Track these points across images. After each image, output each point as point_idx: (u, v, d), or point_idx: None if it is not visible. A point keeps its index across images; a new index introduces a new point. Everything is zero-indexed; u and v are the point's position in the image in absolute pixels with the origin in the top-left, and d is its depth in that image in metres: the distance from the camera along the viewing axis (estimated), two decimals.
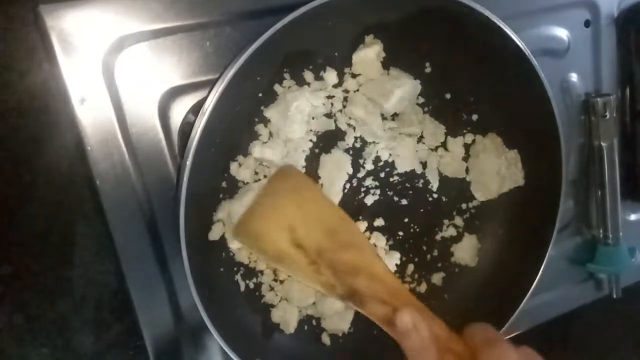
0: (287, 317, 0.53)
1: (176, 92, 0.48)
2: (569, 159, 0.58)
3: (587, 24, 0.66)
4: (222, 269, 0.51)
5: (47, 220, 0.47)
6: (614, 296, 0.72)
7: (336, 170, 0.54)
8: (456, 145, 0.59)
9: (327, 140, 0.54)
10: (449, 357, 0.40)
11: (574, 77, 0.67)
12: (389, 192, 0.57)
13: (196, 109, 0.48)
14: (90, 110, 0.45)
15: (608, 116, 0.66)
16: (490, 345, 0.39)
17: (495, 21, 0.51)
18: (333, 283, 0.44)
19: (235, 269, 0.52)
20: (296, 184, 0.48)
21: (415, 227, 0.59)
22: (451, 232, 0.61)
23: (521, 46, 0.52)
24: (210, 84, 0.47)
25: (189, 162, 0.43)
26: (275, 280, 0.53)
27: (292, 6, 0.44)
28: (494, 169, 0.59)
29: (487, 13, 0.50)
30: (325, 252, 0.45)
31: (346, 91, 0.54)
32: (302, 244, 0.45)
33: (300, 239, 0.45)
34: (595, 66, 0.68)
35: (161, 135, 0.48)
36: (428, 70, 0.57)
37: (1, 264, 0.47)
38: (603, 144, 0.66)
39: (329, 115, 0.54)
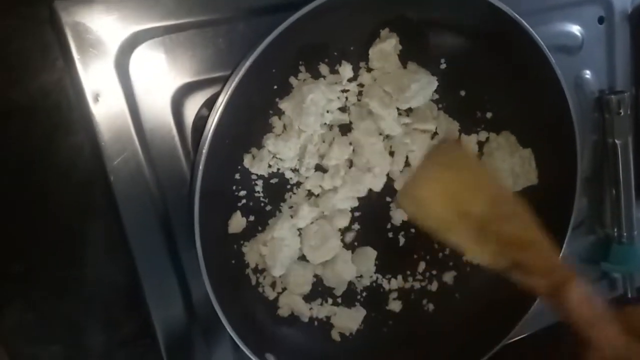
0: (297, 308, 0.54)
1: (189, 88, 0.48)
2: (582, 156, 0.57)
3: (600, 20, 0.66)
4: (234, 264, 0.51)
5: (59, 217, 0.47)
6: (629, 295, 0.71)
7: None
8: (470, 142, 0.59)
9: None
10: (618, 330, 0.39)
11: (587, 74, 0.66)
12: None
13: (210, 103, 0.48)
14: (105, 107, 0.46)
15: (622, 113, 0.65)
16: None
17: (514, 16, 0.50)
18: (497, 253, 0.44)
19: (246, 263, 0.52)
20: (459, 157, 0.48)
21: None
22: None
23: (538, 42, 0.52)
24: (223, 80, 0.47)
25: (203, 157, 0.44)
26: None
27: (303, 1, 0.44)
28: (508, 168, 0.59)
29: (505, 8, 0.50)
30: (490, 222, 0.44)
31: (361, 85, 0.54)
32: (468, 213, 0.44)
33: (466, 208, 0.44)
34: (609, 63, 0.67)
35: (174, 131, 0.48)
36: (443, 66, 0.57)
37: (13, 262, 0.46)
38: (617, 142, 0.66)
39: (343, 109, 0.54)
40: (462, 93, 0.58)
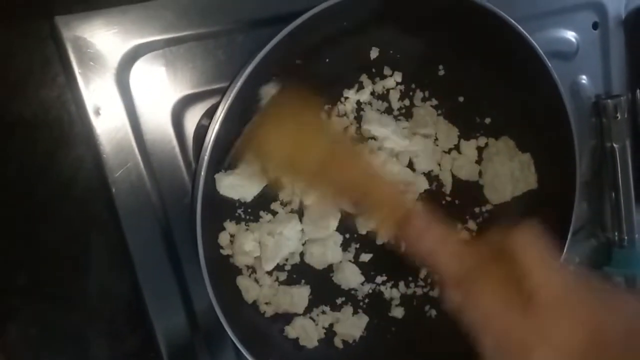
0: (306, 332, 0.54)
1: (189, 100, 0.49)
2: (581, 161, 0.57)
3: (595, 26, 0.66)
4: (237, 274, 0.51)
5: (62, 231, 0.47)
6: None
7: None
8: (469, 148, 0.59)
9: None
10: (465, 255, 0.40)
11: (583, 79, 0.67)
12: None
13: (210, 113, 0.48)
14: (106, 120, 0.46)
15: (619, 117, 0.66)
16: (523, 235, 0.38)
17: (510, 22, 0.51)
18: (340, 194, 0.46)
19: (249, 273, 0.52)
20: (300, 105, 0.48)
21: None
22: (464, 236, 0.60)
23: (535, 48, 0.52)
24: (223, 92, 0.47)
25: (204, 167, 0.44)
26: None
27: (305, 12, 0.45)
28: (507, 172, 0.59)
29: (502, 15, 0.50)
30: (326, 168, 0.45)
31: (358, 103, 0.55)
32: (306, 159, 0.46)
33: (303, 154, 0.46)
34: (605, 68, 0.68)
35: (175, 142, 0.48)
36: (441, 72, 0.57)
37: (17, 275, 0.46)
38: (615, 146, 0.66)
39: (341, 115, 0.54)
40: (461, 99, 0.59)
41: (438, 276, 0.40)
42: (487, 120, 0.59)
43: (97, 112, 0.45)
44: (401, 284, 0.59)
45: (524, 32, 0.52)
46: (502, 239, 0.38)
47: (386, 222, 0.43)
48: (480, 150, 0.60)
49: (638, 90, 0.69)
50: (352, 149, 0.48)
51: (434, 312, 0.60)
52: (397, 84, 0.56)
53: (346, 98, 0.54)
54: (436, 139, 0.58)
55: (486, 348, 0.37)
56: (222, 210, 0.50)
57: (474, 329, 0.38)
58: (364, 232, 0.56)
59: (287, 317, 0.54)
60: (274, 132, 0.46)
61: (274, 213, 0.53)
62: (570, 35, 0.65)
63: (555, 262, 0.37)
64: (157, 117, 0.48)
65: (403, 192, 0.49)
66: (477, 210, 0.61)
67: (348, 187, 0.45)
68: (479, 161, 0.60)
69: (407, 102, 0.57)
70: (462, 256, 0.40)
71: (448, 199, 0.59)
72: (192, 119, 0.49)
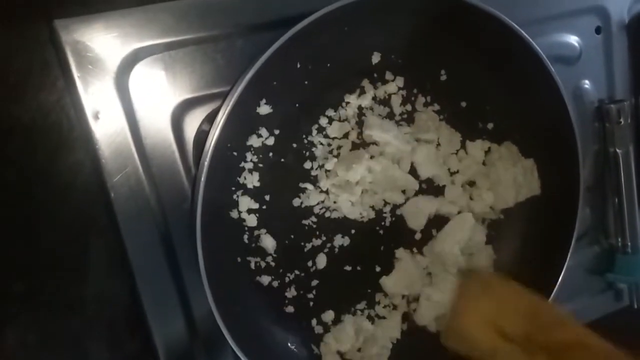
0: None
1: (189, 104, 0.48)
2: (584, 166, 0.57)
3: (598, 30, 0.66)
4: (237, 279, 0.51)
5: (61, 236, 0.47)
6: (635, 307, 0.71)
7: None
8: (475, 149, 0.59)
9: None
10: None
11: (586, 83, 0.66)
12: None
13: (210, 118, 0.48)
14: (105, 124, 0.45)
15: (623, 122, 0.65)
16: None
17: (513, 26, 0.51)
18: None
19: (250, 282, 0.52)
20: (485, 281, 0.52)
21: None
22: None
23: (538, 52, 0.52)
24: (223, 96, 0.47)
25: (204, 172, 0.43)
26: None
27: (305, 16, 0.45)
28: (510, 178, 0.58)
29: (504, 18, 0.50)
30: (534, 336, 0.46)
31: (360, 108, 0.55)
32: (508, 333, 0.47)
33: (505, 330, 0.47)
34: (608, 72, 0.67)
35: (175, 146, 0.48)
36: (443, 77, 0.57)
37: (15, 281, 0.46)
38: (619, 151, 0.66)
39: (342, 120, 0.54)
40: (463, 104, 0.58)
41: None
42: (490, 126, 0.59)
43: (96, 116, 0.45)
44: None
45: (527, 36, 0.52)
46: None
47: None
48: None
49: None
50: (553, 307, 0.50)
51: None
52: (399, 88, 0.56)
53: (347, 103, 0.54)
54: (438, 144, 0.58)
55: None
56: (222, 215, 0.50)
57: None
58: None
59: (287, 323, 0.54)
60: (472, 311, 0.48)
61: None
62: (573, 39, 0.65)
63: None
64: (156, 122, 0.47)
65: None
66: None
67: (560, 349, 0.45)
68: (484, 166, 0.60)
69: (409, 107, 0.56)
70: None
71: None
72: (191, 123, 0.49)
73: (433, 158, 0.57)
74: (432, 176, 0.58)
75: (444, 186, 0.58)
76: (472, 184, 0.59)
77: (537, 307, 0.49)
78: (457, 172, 0.59)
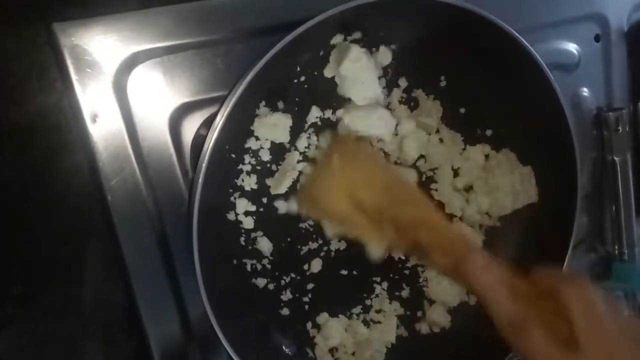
0: None
1: (187, 108, 0.48)
2: (581, 173, 0.57)
3: (597, 38, 0.66)
4: (233, 283, 0.51)
5: (58, 238, 0.47)
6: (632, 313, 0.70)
7: None
8: (476, 153, 0.59)
9: None
10: (521, 295, 0.40)
11: (585, 91, 0.66)
12: None
13: (208, 122, 0.48)
14: (102, 127, 0.46)
15: (621, 130, 0.65)
16: (573, 283, 0.38)
17: (512, 33, 0.51)
18: (395, 237, 0.47)
19: (246, 284, 0.52)
20: (350, 149, 0.51)
21: None
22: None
23: (537, 59, 0.52)
24: (221, 100, 0.47)
25: (201, 176, 0.44)
26: None
27: (304, 21, 0.45)
28: (508, 185, 0.58)
29: (503, 25, 0.50)
30: (385, 209, 0.47)
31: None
32: (362, 205, 0.47)
33: (359, 200, 0.47)
34: (606, 80, 0.68)
35: (172, 150, 0.48)
36: (443, 84, 0.57)
37: (12, 283, 0.46)
38: (616, 159, 0.66)
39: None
40: (462, 110, 0.58)
41: (491, 313, 0.40)
42: (488, 132, 0.59)
43: (93, 119, 0.45)
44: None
45: (526, 43, 0.52)
46: (552, 283, 0.39)
47: (443, 257, 0.44)
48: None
49: (639, 103, 0.69)
50: (410, 186, 0.50)
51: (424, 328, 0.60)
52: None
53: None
54: (441, 140, 0.58)
55: None
56: (219, 219, 0.50)
57: None
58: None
59: (282, 326, 0.54)
60: (333, 178, 0.48)
61: None
62: (572, 47, 0.65)
63: (604, 315, 0.37)
64: (154, 125, 0.47)
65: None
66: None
67: (407, 225, 0.46)
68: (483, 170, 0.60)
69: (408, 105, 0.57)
70: (516, 296, 0.40)
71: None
72: (189, 127, 0.49)
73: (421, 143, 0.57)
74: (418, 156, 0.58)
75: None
76: (469, 189, 0.60)
77: (396, 182, 0.50)
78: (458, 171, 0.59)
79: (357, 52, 0.51)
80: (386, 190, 0.48)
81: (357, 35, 0.52)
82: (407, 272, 0.58)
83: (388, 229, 0.47)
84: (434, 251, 0.44)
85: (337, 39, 0.51)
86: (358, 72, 0.52)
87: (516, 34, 0.51)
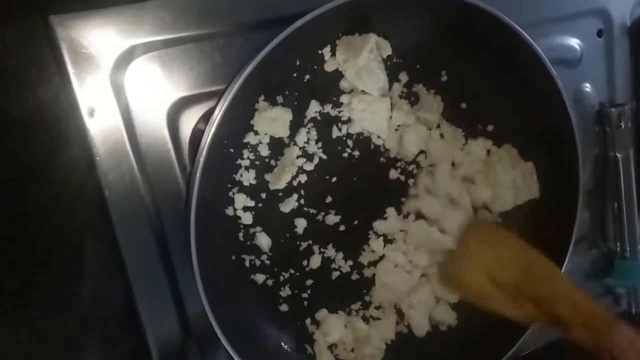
0: None
1: (185, 102, 0.48)
2: (583, 170, 0.57)
3: (599, 33, 0.66)
4: (231, 279, 0.51)
5: (55, 234, 0.47)
6: (633, 311, 0.70)
7: None
8: (477, 147, 0.59)
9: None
10: None
11: (587, 87, 0.66)
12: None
13: (207, 117, 0.48)
14: (100, 121, 0.45)
15: (623, 126, 0.65)
16: None
17: (514, 27, 0.50)
18: (535, 314, 0.48)
19: (245, 280, 0.51)
20: (487, 232, 0.54)
21: None
22: None
23: (539, 54, 0.52)
24: (219, 95, 0.47)
25: (198, 171, 0.43)
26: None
27: (304, 14, 0.44)
28: (510, 180, 0.58)
29: (505, 19, 0.50)
30: (524, 288, 0.49)
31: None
32: (501, 284, 0.49)
33: (497, 278, 0.49)
34: (609, 76, 0.67)
35: (170, 145, 0.48)
36: (444, 78, 0.56)
37: (9, 278, 0.46)
38: (619, 155, 0.65)
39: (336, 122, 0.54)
40: (464, 105, 0.58)
41: None
42: (490, 128, 0.59)
43: (91, 114, 0.45)
44: None
45: (528, 37, 0.51)
46: None
47: (585, 331, 0.45)
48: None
49: None
50: (549, 264, 0.51)
51: None
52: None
53: (341, 103, 0.54)
54: (442, 136, 0.58)
55: None
56: (217, 215, 0.50)
57: None
58: None
59: (280, 323, 0.54)
60: (471, 258, 0.51)
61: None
62: (574, 42, 0.64)
63: None
64: (152, 120, 0.47)
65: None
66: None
67: (548, 302, 0.47)
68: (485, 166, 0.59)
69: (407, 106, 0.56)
70: None
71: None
72: (188, 121, 0.48)
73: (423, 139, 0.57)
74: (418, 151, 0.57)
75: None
76: (470, 183, 0.59)
77: (533, 261, 0.50)
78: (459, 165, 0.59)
79: (373, 42, 0.51)
80: (524, 269, 0.49)
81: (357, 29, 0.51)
82: None
83: (527, 304, 0.48)
84: (575, 326, 0.45)
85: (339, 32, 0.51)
86: (372, 62, 0.52)
87: (519, 28, 0.51)
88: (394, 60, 0.54)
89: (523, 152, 0.59)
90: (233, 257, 0.51)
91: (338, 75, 0.52)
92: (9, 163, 0.45)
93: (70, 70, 0.44)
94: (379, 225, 0.56)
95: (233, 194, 0.50)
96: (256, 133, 0.50)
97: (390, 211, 0.57)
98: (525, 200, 0.59)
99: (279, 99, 0.51)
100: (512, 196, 0.58)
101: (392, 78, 0.55)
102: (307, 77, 0.51)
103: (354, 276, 0.56)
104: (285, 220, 0.53)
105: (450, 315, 0.59)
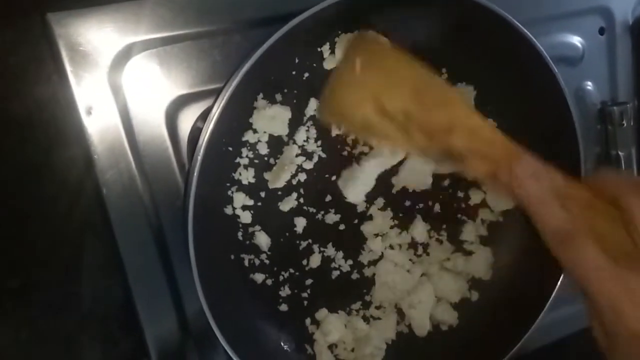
0: None
1: (184, 101, 0.48)
2: (585, 168, 0.56)
3: (601, 31, 0.66)
4: (230, 278, 0.51)
5: (54, 233, 0.47)
6: None
7: None
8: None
9: None
10: (572, 203, 0.37)
11: (589, 85, 0.66)
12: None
13: (205, 115, 0.47)
14: (98, 119, 0.45)
15: (625, 125, 0.65)
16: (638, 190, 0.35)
17: (515, 24, 0.50)
18: (427, 144, 0.41)
19: (244, 280, 0.51)
20: (373, 50, 0.45)
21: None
22: (465, 245, 0.60)
23: (541, 52, 0.52)
24: (218, 93, 0.47)
25: (196, 169, 0.43)
26: None
27: (302, 11, 0.44)
28: None
29: (506, 16, 0.50)
30: (414, 114, 0.41)
31: None
32: (388, 110, 0.41)
33: (385, 105, 0.42)
34: (611, 74, 0.67)
35: (168, 143, 0.48)
36: (444, 76, 0.56)
37: (8, 277, 0.46)
38: (621, 154, 0.65)
39: None
40: None
41: (537, 223, 0.37)
42: None
43: (88, 112, 0.45)
44: None
45: (530, 35, 0.51)
46: (612, 189, 0.36)
47: (482, 163, 0.39)
48: None
49: None
50: (443, 86, 0.44)
51: None
52: None
53: None
54: None
55: (598, 306, 0.35)
56: (215, 213, 0.49)
57: (579, 281, 0.35)
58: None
59: (280, 322, 0.53)
60: (355, 80, 0.42)
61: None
62: (576, 40, 0.64)
63: None
64: (150, 118, 0.47)
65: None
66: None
67: (441, 129, 0.41)
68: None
69: None
70: (567, 204, 0.36)
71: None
72: (186, 119, 0.48)
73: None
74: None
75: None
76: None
77: (426, 82, 0.43)
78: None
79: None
80: (415, 92, 0.42)
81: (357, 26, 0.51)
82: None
83: (418, 134, 0.41)
84: (472, 157, 0.40)
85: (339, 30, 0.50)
86: None
87: (520, 25, 0.50)
88: None
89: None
90: (232, 257, 0.51)
91: None
92: (6, 162, 0.45)
93: (68, 68, 0.44)
94: (366, 227, 0.56)
95: (232, 192, 0.50)
96: (255, 131, 0.50)
97: (373, 209, 0.56)
98: None
99: (278, 97, 0.50)
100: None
101: None
102: (306, 75, 0.51)
103: (354, 275, 0.56)
104: (285, 219, 0.53)
105: (452, 315, 0.58)
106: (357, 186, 0.54)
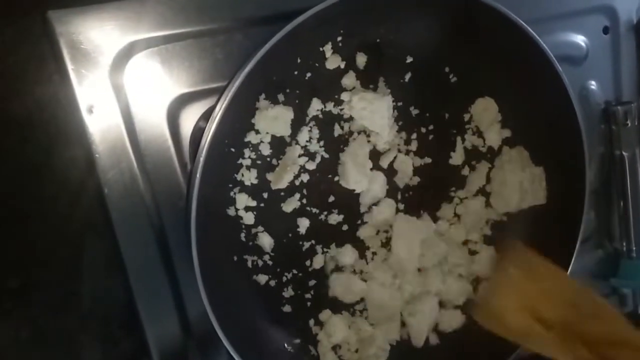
0: None
1: (185, 99, 0.48)
2: (589, 169, 0.56)
3: (605, 30, 0.65)
4: (232, 278, 0.50)
5: (55, 233, 0.47)
6: (639, 312, 0.70)
7: None
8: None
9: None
10: None
11: (593, 84, 0.65)
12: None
13: (208, 114, 0.47)
14: (99, 118, 0.45)
15: (629, 124, 0.65)
16: None
17: (520, 23, 0.50)
18: (586, 355, 0.44)
19: (247, 281, 0.51)
20: (528, 262, 0.49)
21: None
22: (470, 245, 0.59)
23: (545, 50, 0.52)
24: (220, 92, 0.46)
25: (199, 169, 0.43)
26: None
27: (304, 10, 0.44)
28: (517, 182, 0.57)
29: (510, 15, 0.49)
30: (572, 325, 0.44)
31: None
32: (545, 319, 0.45)
33: (542, 314, 0.45)
34: (615, 73, 0.67)
35: (170, 142, 0.47)
36: (454, 80, 0.56)
37: (9, 277, 0.46)
38: (625, 154, 0.65)
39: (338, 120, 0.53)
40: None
41: None
42: None
43: (90, 111, 0.45)
44: None
45: (534, 34, 0.51)
46: None
47: None
48: (492, 156, 0.59)
49: None
50: (598, 299, 0.47)
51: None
52: None
53: (343, 101, 0.53)
54: None
55: None
56: (218, 213, 0.49)
57: None
58: None
59: (283, 324, 0.53)
60: (512, 292, 0.47)
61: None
62: (580, 39, 0.64)
63: None
64: (152, 117, 0.47)
65: None
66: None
67: (600, 342, 0.44)
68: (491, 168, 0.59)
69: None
70: None
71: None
72: (188, 119, 0.48)
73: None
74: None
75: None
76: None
77: (579, 295, 0.47)
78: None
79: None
80: (571, 304, 0.46)
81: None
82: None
83: (577, 345, 0.44)
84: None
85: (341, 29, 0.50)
86: None
87: (524, 24, 0.50)
88: (399, 57, 0.54)
89: (535, 156, 0.58)
90: (235, 258, 0.51)
91: (339, 72, 0.52)
92: (6, 162, 0.45)
93: (69, 66, 0.43)
94: (362, 232, 0.56)
95: (234, 193, 0.50)
96: (257, 132, 0.50)
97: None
98: (531, 205, 0.58)
99: (280, 97, 0.50)
100: (517, 199, 0.58)
101: None
102: (309, 75, 0.51)
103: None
104: (288, 220, 0.52)
105: (456, 317, 0.58)
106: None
